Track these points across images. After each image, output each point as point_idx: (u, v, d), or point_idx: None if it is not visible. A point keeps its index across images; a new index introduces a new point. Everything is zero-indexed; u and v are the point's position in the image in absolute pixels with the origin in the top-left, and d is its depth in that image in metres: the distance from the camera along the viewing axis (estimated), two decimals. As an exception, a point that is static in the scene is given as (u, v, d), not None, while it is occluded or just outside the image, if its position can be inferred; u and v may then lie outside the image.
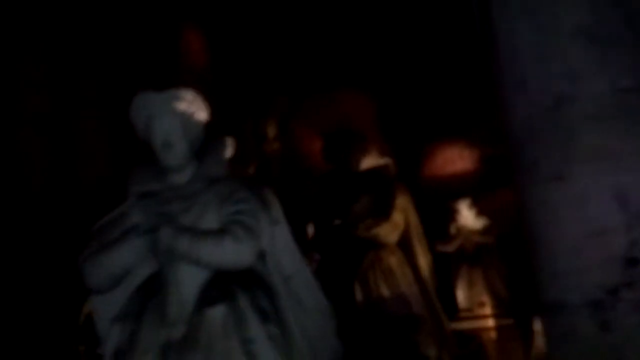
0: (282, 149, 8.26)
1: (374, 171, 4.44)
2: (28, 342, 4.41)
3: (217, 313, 2.09)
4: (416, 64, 7.43)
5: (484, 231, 6.18)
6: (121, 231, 2.24)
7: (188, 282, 2.16)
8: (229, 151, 2.38)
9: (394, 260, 4.06)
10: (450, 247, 6.19)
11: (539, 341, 5.31)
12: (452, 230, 6.30)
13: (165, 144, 2.26)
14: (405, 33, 7.48)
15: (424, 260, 4.20)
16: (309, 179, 7.33)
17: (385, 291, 4.02)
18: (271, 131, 8.29)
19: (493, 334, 5.81)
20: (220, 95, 7.72)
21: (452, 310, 6.07)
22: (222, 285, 2.15)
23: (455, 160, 7.45)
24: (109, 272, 2.20)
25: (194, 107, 2.33)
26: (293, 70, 8.02)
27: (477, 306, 6.00)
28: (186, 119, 2.30)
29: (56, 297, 4.82)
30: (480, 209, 6.36)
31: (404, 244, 4.18)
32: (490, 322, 5.94)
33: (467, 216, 6.24)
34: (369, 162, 4.47)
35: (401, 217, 4.19)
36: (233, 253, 2.14)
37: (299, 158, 8.35)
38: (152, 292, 2.23)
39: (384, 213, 4.14)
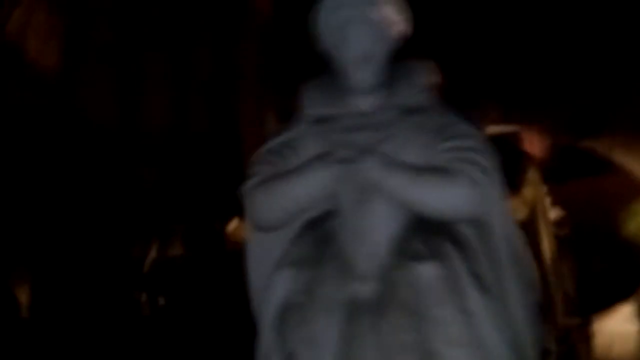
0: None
1: (499, 139, 4.00)
2: (86, 289, 4.06)
3: (428, 272, 1.68)
4: (487, 33, 6.96)
5: (559, 222, 5.77)
6: (299, 159, 1.84)
7: (381, 229, 1.76)
8: (431, 78, 1.97)
9: None
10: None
11: (600, 341, 4.98)
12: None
13: (360, 58, 1.85)
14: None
15: (547, 244, 3.81)
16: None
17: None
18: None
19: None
20: (274, 53, 7.34)
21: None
22: (426, 239, 1.76)
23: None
24: (287, 205, 1.79)
25: (397, 15, 1.93)
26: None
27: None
28: (386, 30, 1.90)
29: (116, 240, 4.47)
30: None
31: (528, 224, 3.77)
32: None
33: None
34: (493, 129, 4.03)
35: (532, 193, 3.79)
36: (464, 197, 1.72)
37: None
38: (327, 237, 1.83)
39: (512, 186, 3.73)
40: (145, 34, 5.33)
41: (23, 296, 3.96)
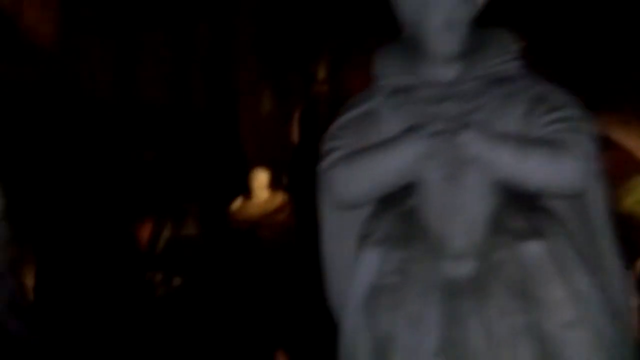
0: (330, 92, 7.75)
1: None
2: (99, 269, 3.91)
3: (534, 250, 1.58)
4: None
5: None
6: (380, 134, 1.73)
7: (475, 205, 1.65)
8: (517, 45, 1.87)
9: None
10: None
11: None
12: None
13: (442, 24, 1.74)
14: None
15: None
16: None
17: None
18: (321, 72, 7.76)
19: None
20: (271, 29, 7.17)
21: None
22: (527, 215, 1.66)
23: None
24: (376, 180, 1.69)
25: None
26: (351, 9, 7.47)
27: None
28: None
29: (122, 219, 4.32)
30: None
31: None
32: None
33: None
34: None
35: None
36: (577, 170, 1.61)
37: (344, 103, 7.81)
38: (411, 214, 1.73)
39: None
40: (144, 7, 5.13)
41: (29, 278, 3.82)
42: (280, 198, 5.50)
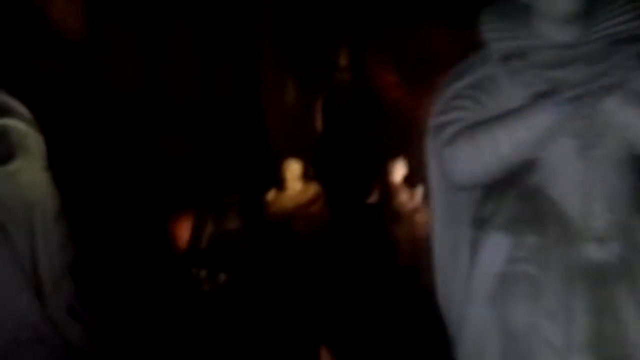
0: (352, 80, 7.62)
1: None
2: (144, 268, 3.79)
3: None
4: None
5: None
6: (497, 104, 1.61)
7: (616, 179, 1.53)
8: (634, 5, 1.74)
9: None
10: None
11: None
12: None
13: None
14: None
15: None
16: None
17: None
18: (343, 60, 7.62)
19: None
20: (292, 19, 7.04)
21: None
22: None
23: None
24: (504, 156, 1.56)
25: None
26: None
27: None
28: None
29: (167, 215, 4.21)
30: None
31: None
32: None
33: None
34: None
35: None
36: None
37: (371, 91, 7.74)
38: (534, 193, 1.60)
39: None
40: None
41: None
42: (313, 189, 5.39)
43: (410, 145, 6.83)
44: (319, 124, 7.32)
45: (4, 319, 1.97)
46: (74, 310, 2.27)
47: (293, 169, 5.39)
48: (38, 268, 2.10)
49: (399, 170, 6.24)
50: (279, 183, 5.35)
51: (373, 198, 6.45)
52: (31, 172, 2.05)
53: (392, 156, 6.50)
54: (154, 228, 4.24)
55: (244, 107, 6.20)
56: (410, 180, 6.25)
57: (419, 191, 6.12)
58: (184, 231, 4.38)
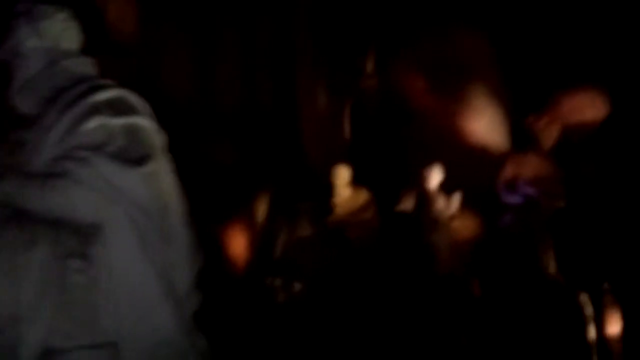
0: (379, 85, 7.56)
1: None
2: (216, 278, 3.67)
3: None
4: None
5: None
6: None
7: None
8: None
9: None
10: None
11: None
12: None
13: None
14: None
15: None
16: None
17: None
18: (369, 66, 7.57)
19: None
20: (319, 22, 6.98)
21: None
22: None
23: (585, 109, 6.88)
24: None
25: None
26: (396, 2, 7.28)
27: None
28: None
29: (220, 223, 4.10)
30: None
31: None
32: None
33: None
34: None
35: None
36: None
37: (398, 97, 7.68)
38: None
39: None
40: (222, 5, 4.95)
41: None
42: (363, 196, 5.31)
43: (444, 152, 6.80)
44: (347, 130, 7.26)
45: (141, 336, 1.78)
46: (200, 323, 2.12)
47: (342, 175, 5.31)
48: (174, 278, 1.91)
49: (435, 177, 6.18)
50: (327, 189, 5.28)
51: (407, 205, 6.39)
52: (164, 173, 1.87)
53: (425, 163, 6.46)
54: (209, 236, 4.13)
55: (283, 115, 6.13)
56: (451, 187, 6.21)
57: (456, 198, 6.07)
58: (237, 239, 4.26)
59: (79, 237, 1.49)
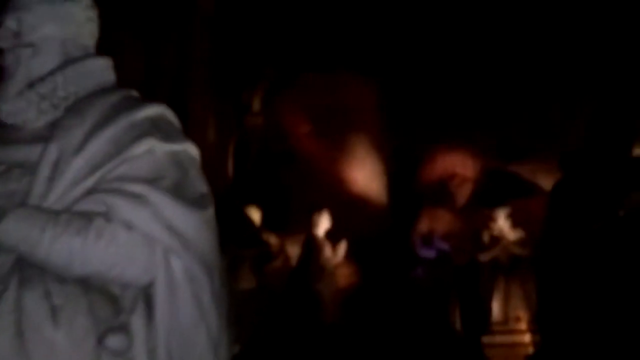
0: (265, 125, 7.28)
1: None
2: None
3: None
4: (431, 49, 6.94)
5: (521, 242, 5.96)
6: None
7: None
8: None
9: None
10: (486, 257, 5.89)
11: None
12: (486, 238, 5.99)
13: None
14: (420, 13, 6.97)
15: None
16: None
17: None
18: (256, 104, 7.27)
19: (530, 349, 5.60)
20: (214, 54, 6.62)
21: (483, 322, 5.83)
22: None
23: (455, 167, 7.15)
24: None
25: None
26: (289, 41, 7.13)
27: (513, 320, 5.76)
28: None
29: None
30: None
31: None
32: (527, 338, 5.73)
33: (504, 226, 5.98)
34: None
35: None
36: None
37: (283, 138, 7.43)
38: None
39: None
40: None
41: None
42: (274, 241, 5.01)
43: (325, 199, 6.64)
44: (230, 167, 6.90)
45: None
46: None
47: (254, 218, 4.97)
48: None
49: (323, 224, 6.05)
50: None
51: (292, 251, 6.18)
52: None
53: (308, 208, 6.31)
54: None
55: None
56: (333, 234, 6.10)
57: (342, 246, 5.98)
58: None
59: (118, 304, 1.04)
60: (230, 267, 3.85)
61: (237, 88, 6.79)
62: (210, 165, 6.02)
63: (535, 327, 5.73)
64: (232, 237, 4.03)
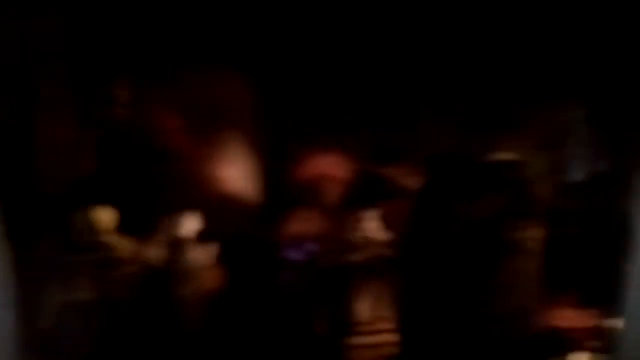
0: (132, 120, 6.86)
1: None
2: None
3: None
4: (308, 49, 6.84)
5: (390, 244, 5.98)
6: None
7: None
8: None
9: None
10: (355, 258, 5.85)
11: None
12: (355, 240, 5.95)
13: None
14: (299, 11, 6.86)
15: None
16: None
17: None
18: (123, 96, 6.84)
19: (396, 350, 5.64)
20: (73, 41, 6.16)
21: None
22: None
23: (326, 168, 7.10)
24: None
25: None
26: (160, 33, 6.78)
27: (379, 321, 5.75)
28: None
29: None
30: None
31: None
32: (393, 338, 5.75)
33: (373, 228, 5.97)
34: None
35: None
36: None
37: (152, 133, 7.04)
38: None
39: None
40: None
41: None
42: (130, 247, 4.67)
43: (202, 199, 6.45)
44: (91, 164, 6.45)
45: None
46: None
47: (105, 220, 4.59)
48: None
49: (190, 225, 5.78)
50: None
51: (153, 254, 5.86)
52: None
53: (177, 208, 6.03)
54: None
55: (13, 138, 5.17)
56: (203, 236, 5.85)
57: (212, 248, 5.75)
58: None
59: None
60: (60, 276, 3.48)
61: (102, 81, 6.38)
62: (59, 162, 5.55)
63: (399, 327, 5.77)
64: (65, 241, 3.67)
